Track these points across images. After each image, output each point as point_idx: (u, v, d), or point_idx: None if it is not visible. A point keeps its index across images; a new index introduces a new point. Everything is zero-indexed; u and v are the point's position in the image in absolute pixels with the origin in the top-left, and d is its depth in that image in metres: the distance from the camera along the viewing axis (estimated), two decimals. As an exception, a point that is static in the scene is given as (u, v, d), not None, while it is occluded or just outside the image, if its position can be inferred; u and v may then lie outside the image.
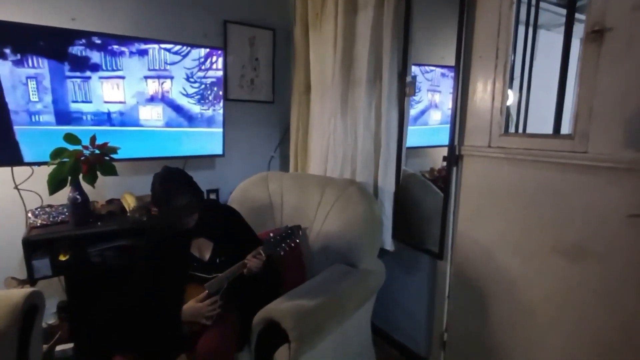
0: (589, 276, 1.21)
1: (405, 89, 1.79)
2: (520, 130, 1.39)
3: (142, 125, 1.99)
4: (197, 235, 1.47)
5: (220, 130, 2.24)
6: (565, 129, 1.28)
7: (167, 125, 2.06)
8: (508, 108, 1.38)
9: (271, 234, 1.41)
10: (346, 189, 1.79)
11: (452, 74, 2.39)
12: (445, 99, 2.36)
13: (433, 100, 2.42)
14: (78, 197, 1.72)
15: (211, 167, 2.48)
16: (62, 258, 1.71)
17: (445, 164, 2.07)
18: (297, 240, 1.42)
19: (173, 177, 1.38)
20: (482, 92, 1.44)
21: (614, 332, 1.16)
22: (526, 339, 1.40)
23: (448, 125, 2.03)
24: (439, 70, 2.35)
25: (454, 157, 1.57)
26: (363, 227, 1.67)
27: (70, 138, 1.64)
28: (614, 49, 1.08)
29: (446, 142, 1.63)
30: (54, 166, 1.63)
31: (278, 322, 1.27)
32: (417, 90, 2.05)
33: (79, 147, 1.65)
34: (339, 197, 1.78)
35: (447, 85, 2.23)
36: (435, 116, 2.46)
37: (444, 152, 2.12)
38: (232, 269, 1.37)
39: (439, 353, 1.76)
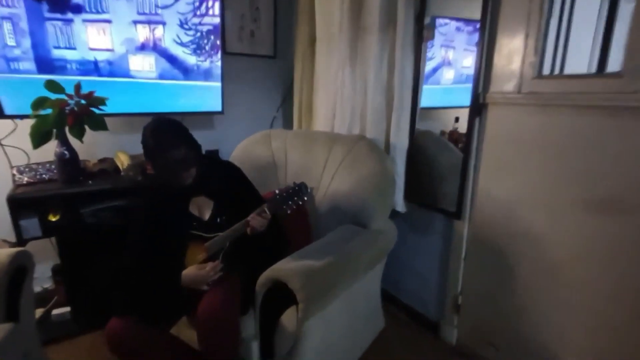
0: (626, 231, 1.09)
1: (422, 32, 1.61)
2: (557, 71, 1.23)
3: (133, 77, 1.83)
4: (196, 193, 1.35)
5: (219, 84, 2.07)
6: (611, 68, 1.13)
7: (161, 77, 1.90)
8: (543, 46, 1.21)
9: (277, 191, 1.29)
10: (355, 145, 1.66)
11: (468, 28, 2.17)
12: (459, 56, 2.18)
13: (446, 57, 2.23)
14: (66, 152, 1.59)
15: (210, 127, 2.34)
16: (52, 218, 1.60)
17: (456, 125, 1.93)
18: (305, 198, 1.29)
19: (166, 128, 1.24)
20: (513, 28, 1.27)
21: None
22: (551, 301, 1.31)
23: (462, 85, 1.85)
24: (453, 23, 2.14)
25: (477, 106, 1.42)
26: (374, 184, 1.54)
27: (51, 85, 1.48)
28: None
29: (459, 103, 1.48)
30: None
31: (285, 283, 1.17)
32: (430, 46, 1.87)
33: (62, 97, 1.50)
34: (348, 154, 1.65)
35: (462, 40, 2.05)
36: (447, 75, 2.27)
37: (456, 113, 1.96)
38: (234, 228, 1.26)
39: (452, 317, 1.68)
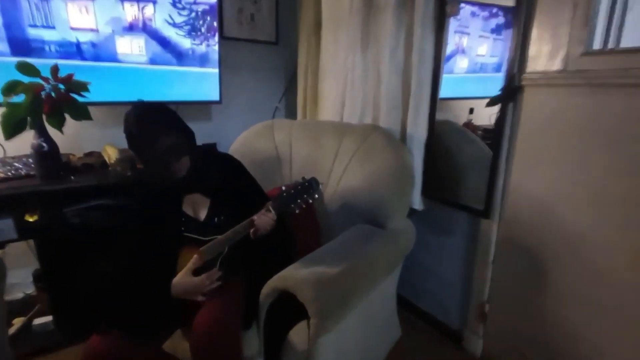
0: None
1: (445, 7, 1.44)
2: (611, 46, 1.06)
3: (120, 61, 1.65)
4: (190, 190, 1.17)
5: (216, 70, 1.89)
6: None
7: (152, 62, 1.71)
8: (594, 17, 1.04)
9: (283, 187, 1.11)
10: (369, 135, 1.49)
11: (484, 14, 2.00)
12: (474, 44, 2.00)
13: (460, 44, 2.06)
14: (44, 144, 1.41)
15: (207, 118, 2.16)
16: (30, 219, 1.42)
17: (471, 117, 1.75)
18: (316, 196, 1.12)
19: (152, 113, 1.06)
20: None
21: None
22: (592, 310, 1.14)
23: (476, 75, 1.67)
24: (468, 8, 1.97)
25: (511, 89, 1.25)
26: (391, 178, 1.37)
27: (24, 67, 1.30)
28: None
29: (473, 93, 1.32)
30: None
31: (293, 294, 1.00)
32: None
33: (37, 80, 1.32)
34: (361, 145, 1.48)
35: (477, 26, 1.88)
36: (461, 63, 2.10)
37: (471, 104, 1.79)
38: (235, 230, 1.09)
39: (476, 326, 1.51)
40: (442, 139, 1.62)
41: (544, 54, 1.15)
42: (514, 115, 1.27)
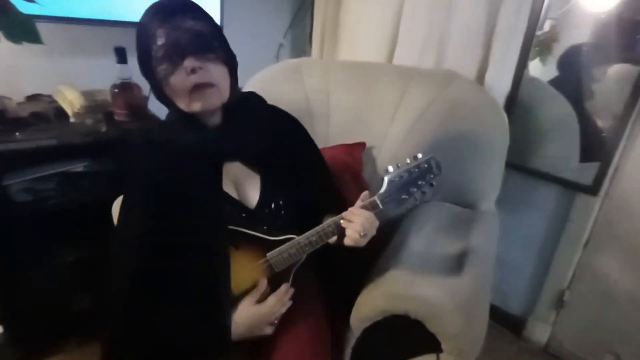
0: None
1: None
2: None
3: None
4: (230, 156, 0.75)
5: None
6: None
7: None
8: None
9: (390, 168, 0.72)
10: (450, 84, 1.12)
11: None
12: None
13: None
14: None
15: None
16: (-49, 197, 0.91)
17: None
18: (433, 184, 0.75)
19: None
20: None
21: None
22: None
23: None
24: None
25: None
26: (489, 144, 1.05)
27: None
28: None
29: None
30: None
31: (417, 320, 0.67)
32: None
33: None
34: (437, 97, 1.11)
35: None
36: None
37: None
38: (322, 230, 0.70)
39: (546, 313, 1.32)
40: (519, 95, 1.30)
41: None
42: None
